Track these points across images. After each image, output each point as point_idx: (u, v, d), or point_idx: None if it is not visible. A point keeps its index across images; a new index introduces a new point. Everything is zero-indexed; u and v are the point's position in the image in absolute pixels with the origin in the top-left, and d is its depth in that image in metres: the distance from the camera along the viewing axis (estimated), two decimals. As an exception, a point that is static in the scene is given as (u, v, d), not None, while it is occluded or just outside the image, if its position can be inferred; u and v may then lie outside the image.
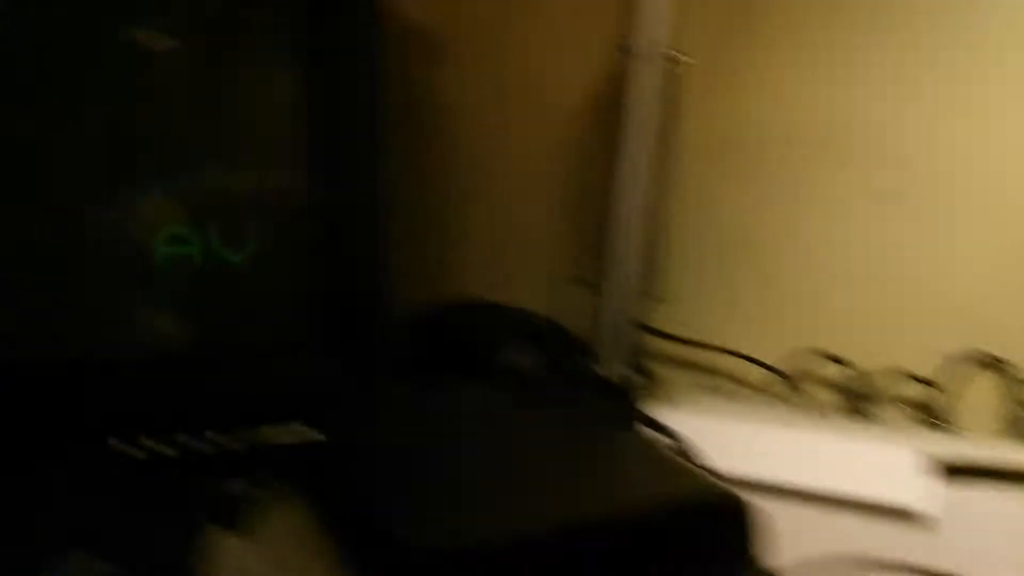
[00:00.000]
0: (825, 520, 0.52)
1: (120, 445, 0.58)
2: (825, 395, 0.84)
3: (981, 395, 0.79)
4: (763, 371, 0.86)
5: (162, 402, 0.61)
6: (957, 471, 0.52)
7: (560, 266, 0.91)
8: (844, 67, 0.82)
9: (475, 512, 0.43)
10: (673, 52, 0.81)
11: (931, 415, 0.79)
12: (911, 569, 0.49)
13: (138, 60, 0.61)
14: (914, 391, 0.81)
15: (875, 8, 0.81)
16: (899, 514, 0.51)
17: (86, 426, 0.58)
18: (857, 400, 0.81)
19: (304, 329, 0.68)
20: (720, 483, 0.48)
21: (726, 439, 0.56)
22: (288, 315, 0.68)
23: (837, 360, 0.83)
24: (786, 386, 0.85)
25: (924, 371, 0.80)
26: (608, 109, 0.86)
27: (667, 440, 0.57)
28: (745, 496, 0.45)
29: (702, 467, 0.54)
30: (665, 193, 0.86)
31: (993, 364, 0.79)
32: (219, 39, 0.64)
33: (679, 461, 0.52)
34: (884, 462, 0.52)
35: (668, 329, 0.89)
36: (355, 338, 0.68)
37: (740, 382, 0.88)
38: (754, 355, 0.86)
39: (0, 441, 0.55)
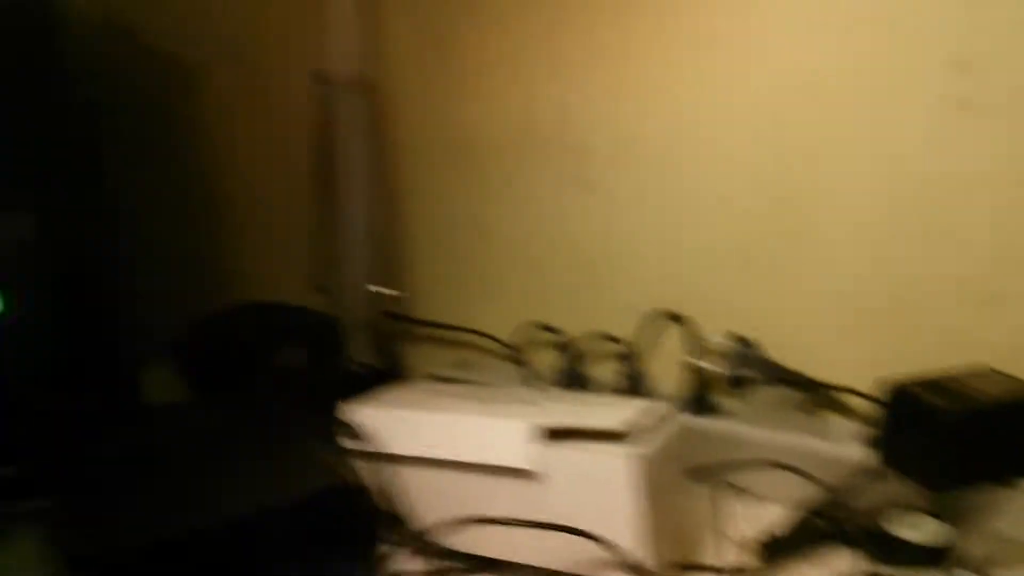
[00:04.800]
0: (459, 482, 0.66)
1: None
2: (546, 360, 0.97)
3: (669, 348, 0.93)
4: (498, 344, 1.00)
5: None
6: (561, 434, 0.65)
7: (310, 273, 1.03)
8: (531, 67, 0.93)
9: (130, 520, 0.56)
10: (364, 74, 0.93)
11: (630, 369, 0.93)
12: (521, 522, 0.62)
13: None
14: (615, 349, 0.94)
15: (552, 8, 0.91)
16: (514, 472, 0.64)
17: None
18: (571, 362, 0.95)
19: (53, 367, 0.79)
20: (347, 475, 0.61)
21: (400, 424, 0.69)
22: (39, 356, 0.79)
23: (553, 330, 0.97)
24: (514, 356, 0.99)
25: (623, 332, 0.94)
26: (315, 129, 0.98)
27: (348, 432, 0.70)
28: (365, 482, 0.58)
29: (348, 460, 0.67)
30: (388, 200, 0.98)
31: (677, 320, 0.92)
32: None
33: (325, 458, 0.65)
34: (505, 431, 0.65)
35: (417, 315, 1.02)
36: (101, 373, 0.80)
37: (482, 354, 1.02)
38: (490, 332, 1.00)
39: None
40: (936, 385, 0.70)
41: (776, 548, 0.69)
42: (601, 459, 0.62)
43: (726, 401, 0.87)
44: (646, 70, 0.89)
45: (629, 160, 0.91)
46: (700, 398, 0.87)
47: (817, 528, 0.71)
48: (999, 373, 0.72)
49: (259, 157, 1.06)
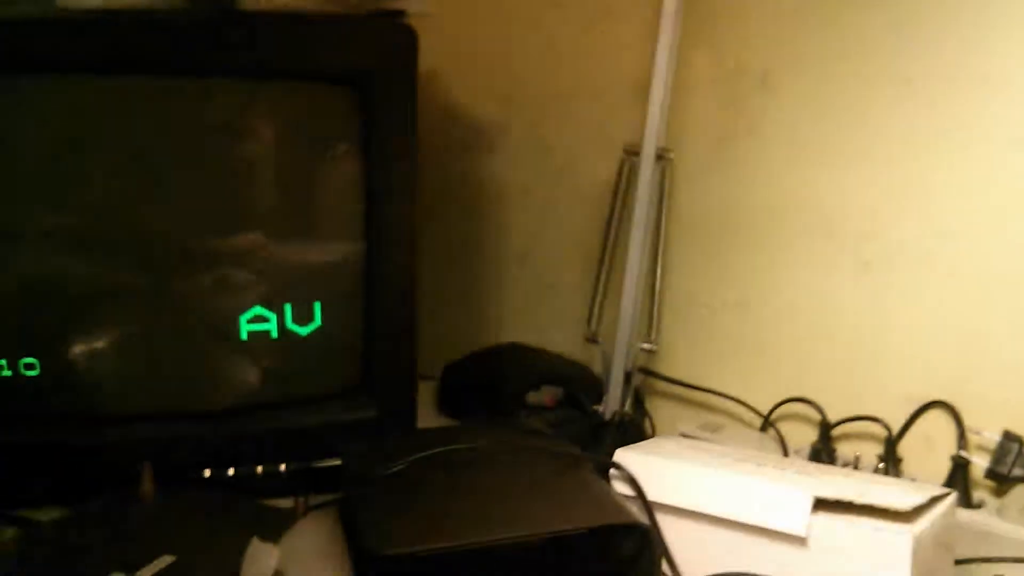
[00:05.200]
0: (725, 540, 0.68)
1: (211, 474, 0.81)
2: (799, 435, 0.98)
3: (932, 436, 0.91)
4: (748, 411, 1.01)
5: (242, 440, 0.83)
6: (835, 506, 0.66)
7: (579, 322, 1.09)
8: (831, 154, 0.96)
9: (431, 528, 0.62)
10: (665, 149, 0.99)
11: (887, 452, 0.91)
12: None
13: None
14: (873, 431, 0.93)
15: (860, 105, 0.93)
16: (786, 538, 0.65)
17: (184, 460, 0.80)
18: (825, 439, 0.95)
19: (351, 381, 0.88)
20: (631, 512, 0.65)
21: (673, 474, 0.72)
22: (340, 371, 0.89)
23: (809, 403, 0.97)
24: (765, 425, 1.00)
25: (884, 415, 0.93)
26: (617, 195, 1.04)
27: (618, 473, 0.74)
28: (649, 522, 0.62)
29: (628, 498, 0.71)
30: (663, 262, 1.03)
31: (944, 408, 0.91)
32: (292, 136, 0.84)
33: (611, 493, 0.69)
34: (786, 497, 0.67)
35: (670, 374, 1.06)
36: (390, 386, 0.88)
37: (730, 419, 1.03)
38: (743, 398, 1.02)
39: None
40: None
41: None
42: (880, 535, 0.63)
43: (988, 497, 0.85)
44: (950, 163, 0.89)
45: (909, 244, 0.91)
46: (961, 491, 0.85)
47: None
48: None
49: (550, 213, 1.15)
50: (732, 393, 1.02)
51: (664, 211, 1.01)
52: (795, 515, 0.65)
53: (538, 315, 1.17)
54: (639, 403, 1.04)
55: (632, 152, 1.00)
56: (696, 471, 0.72)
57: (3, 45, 0.77)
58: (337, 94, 0.83)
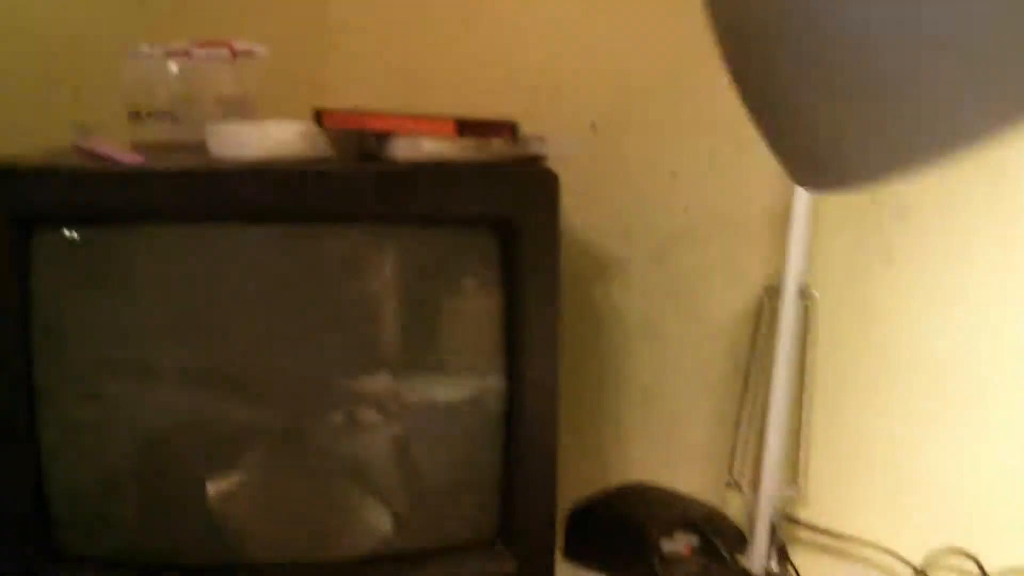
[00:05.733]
0: None
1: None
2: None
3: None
4: (900, 562, 0.95)
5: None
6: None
7: (706, 463, 1.04)
8: (975, 302, 0.92)
9: None
10: (808, 287, 0.96)
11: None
12: None
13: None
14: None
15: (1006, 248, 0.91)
16: None
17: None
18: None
19: (489, 531, 0.85)
20: None
21: None
22: (476, 520, 0.86)
23: (972, 558, 0.91)
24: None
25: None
26: (755, 332, 1.02)
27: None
28: None
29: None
30: (807, 405, 0.99)
31: None
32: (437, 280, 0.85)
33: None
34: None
35: (813, 521, 1.00)
36: (530, 537, 0.85)
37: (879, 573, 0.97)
38: (891, 548, 0.95)
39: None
40: None
41: None
42: None
43: None
44: None
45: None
46: None
47: None
48: None
49: (674, 348, 1.12)
50: (882, 542, 0.96)
51: (808, 350, 0.97)
52: None
53: (663, 455, 1.13)
54: (783, 556, 0.98)
55: (771, 292, 0.98)
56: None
57: (162, 193, 0.80)
58: (483, 239, 0.83)
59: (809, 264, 0.97)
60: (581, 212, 1.16)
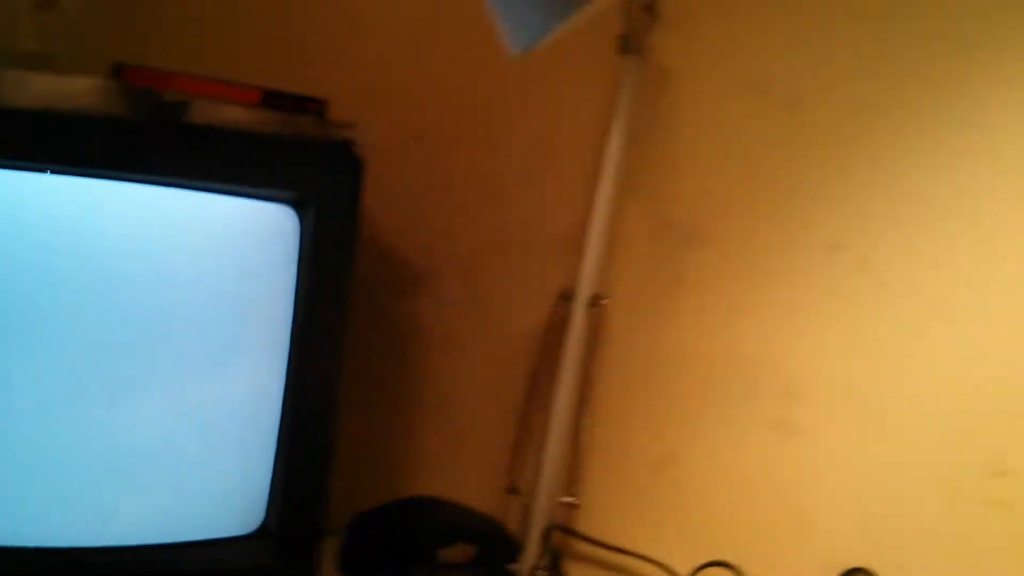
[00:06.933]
0: None
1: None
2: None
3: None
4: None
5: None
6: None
7: (498, 474, 1.05)
8: (757, 312, 0.98)
9: None
10: (599, 295, 0.99)
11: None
12: None
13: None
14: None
15: (781, 262, 0.97)
16: None
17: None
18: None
19: (251, 520, 0.81)
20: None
21: None
22: (238, 511, 0.82)
23: (732, 568, 0.94)
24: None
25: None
26: (546, 343, 1.03)
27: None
28: None
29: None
30: (588, 413, 1.01)
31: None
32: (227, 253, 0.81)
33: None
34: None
35: (590, 532, 1.01)
36: (291, 532, 0.82)
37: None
38: (664, 561, 0.98)
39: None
40: None
41: None
42: None
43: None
44: (869, 325, 0.93)
45: (833, 408, 0.93)
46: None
47: None
48: None
49: (474, 359, 1.12)
50: (655, 556, 0.98)
51: (595, 358, 1.00)
52: None
53: (455, 463, 1.12)
54: (555, 563, 0.99)
55: (566, 297, 0.99)
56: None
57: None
58: (277, 217, 0.81)
59: (603, 277, 1.01)
60: (396, 222, 1.16)
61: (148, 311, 0.78)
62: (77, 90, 0.80)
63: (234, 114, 0.79)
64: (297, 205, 0.81)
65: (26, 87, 0.80)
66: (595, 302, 0.99)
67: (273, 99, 0.80)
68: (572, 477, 1.01)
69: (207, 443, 0.81)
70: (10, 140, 0.73)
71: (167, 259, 0.78)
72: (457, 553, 1.00)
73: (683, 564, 0.97)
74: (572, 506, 1.01)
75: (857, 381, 0.92)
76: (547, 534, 0.97)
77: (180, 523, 0.81)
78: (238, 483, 0.83)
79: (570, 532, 1.02)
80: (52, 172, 0.74)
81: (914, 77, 0.91)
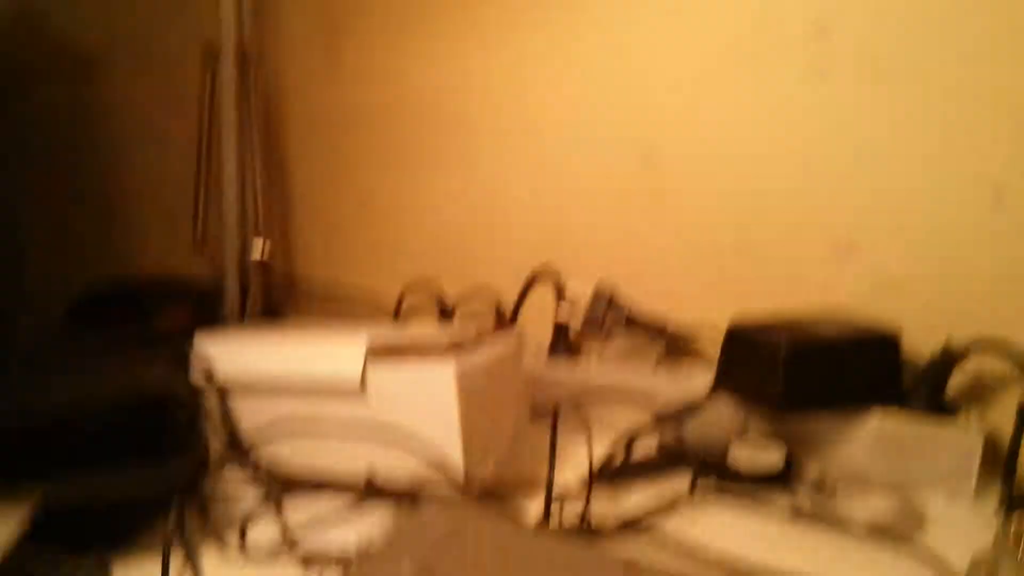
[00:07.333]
0: (295, 406, 0.67)
1: None
2: (427, 310, 1.00)
3: (539, 299, 0.96)
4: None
5: None
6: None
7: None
8: (430, 45, 0.98)
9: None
10: (247, 47, 0.97)
11: (500, 317, 0.96)
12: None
13: None
14: (489, 301, 0.97)
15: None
16: (345, 390, 0.65)
17: None
18: (447, 315, 0.98)
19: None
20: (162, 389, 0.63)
21: (239, 353, 0.70)
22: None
23: (435, 284, 1.00)
24: (397, 311, 1.01)
25: (504, 287, 0.97)
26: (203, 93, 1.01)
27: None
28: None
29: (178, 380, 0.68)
30: (276, 164, 1.01)
31: (547, 273, 0.96)
32: None
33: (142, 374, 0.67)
34: (338, 352, 0.67)
35: (303, 273, 1.05)
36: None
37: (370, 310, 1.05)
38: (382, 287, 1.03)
39: None
40: (775, 322, 0.74)
41: (616, 473, 0.70)
42: (425, 373, 0.64)
43: (586, 346, 0.89)
44: (523, 46, 0.93)
45: (506, 129, 0.96)
46: (563, 344, 0.89)
47: (661, 455, 0.72)
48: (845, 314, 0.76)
49: (155, 132, 1.10)
50: (366, 285, 1.02)
51: (252, 109, 0.99)
52: (348, 366, 0.65)
53: (160, 238, 1.13)
54: (271, 305, 1.02)
55: (209, 50, 0.96)
56: (265, 345, 0.70)
57: None
58: None
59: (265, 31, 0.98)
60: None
61: None
62: None
63: None
64: None
65: None
66: (242, 56, 0.97)
67: None
68: (270, 226, 1.03)
69: None
70: None
71: None
72: (176, 316, 1.02)
73: (392, 288, 1.02)
74: (265, 248, 1.02)
75: (525, 101, 0.94)
76: (244, 275, 0.99)
77: None
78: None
79: (270, 271, 1.04)
80: None
81: None
